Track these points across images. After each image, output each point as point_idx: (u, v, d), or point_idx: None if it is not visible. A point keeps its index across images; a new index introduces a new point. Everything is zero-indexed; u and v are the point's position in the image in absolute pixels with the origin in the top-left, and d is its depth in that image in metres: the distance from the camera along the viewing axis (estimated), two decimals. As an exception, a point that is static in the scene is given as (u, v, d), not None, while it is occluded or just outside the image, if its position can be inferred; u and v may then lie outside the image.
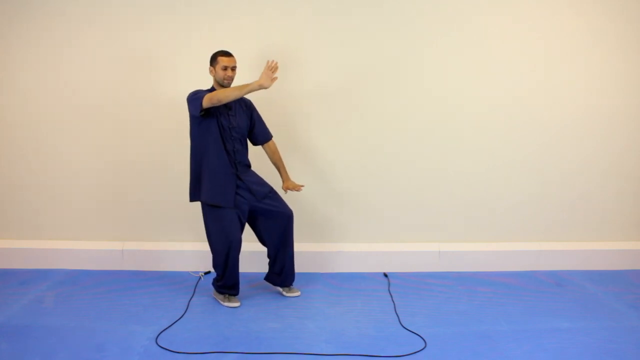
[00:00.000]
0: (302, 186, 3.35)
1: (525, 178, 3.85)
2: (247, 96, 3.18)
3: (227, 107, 3.13)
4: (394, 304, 3.25)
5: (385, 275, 3.76)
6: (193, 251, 3.77)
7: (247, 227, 3.35)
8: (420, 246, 3.86)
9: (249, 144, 3.35)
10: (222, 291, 3.23)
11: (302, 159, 3.76)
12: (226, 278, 3.18)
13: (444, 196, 3.84)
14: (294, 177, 3.49)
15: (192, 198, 3.20)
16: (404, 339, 2.80)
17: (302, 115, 3.71)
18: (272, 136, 3.38)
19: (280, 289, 3.39)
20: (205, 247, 3.51)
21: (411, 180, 3.82)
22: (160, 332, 2.83)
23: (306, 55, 3.65)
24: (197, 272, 3.72)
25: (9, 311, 3.06)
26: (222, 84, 3.10)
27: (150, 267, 3.78)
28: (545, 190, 3.88)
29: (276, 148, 3.38)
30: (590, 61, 3.74)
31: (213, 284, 3.30)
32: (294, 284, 3.42)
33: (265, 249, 3.38)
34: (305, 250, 3.75)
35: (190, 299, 3.29)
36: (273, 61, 2.91)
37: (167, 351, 2.63)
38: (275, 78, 2.90)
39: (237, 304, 3.19)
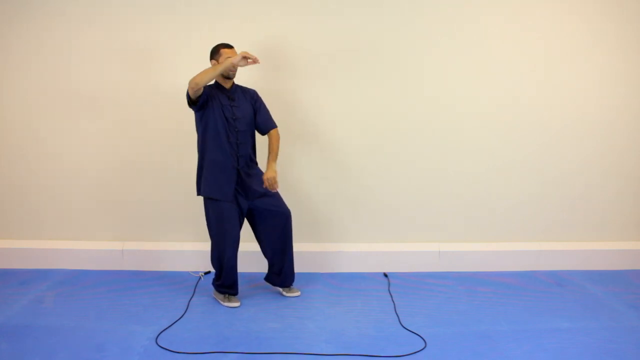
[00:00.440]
0: (277, 188, 3.18)
1: (525, 178, 3.85)
2: (253, 87, 3.26)
3: (230, 98, 3.13)
4: (394, 304, 3.25)
5: (385, 275, 3.76)
6: (193, 251, 3.77)
7: (247, 227, 3.35)
8: (420, 246, 3.86)
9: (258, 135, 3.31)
10: (222, 290, 3.23)
11: (302, 159, 3.76)
12: (224, 277, 3.18)
13: (444, 196, 3.84)
14: (294, 176, 3.49)
15: (198, 192, 3.20)
16: (404, 339, 2.80)
17: (302, 115, 3.71)
18: (276, 126, 3.27)
19: (280, 289, 3.39)
20: (205, 247, 3.52)
21: (411, 180, 3.82)
22: (160, 332, 2.83)
23: (306, 55, 3.65)
24: (197, 272, 3.72)
25: (9, 311, 3.06)
26: (227, 75, 3.10)
27: (150, 267, 3.78)
28: (545, 190, 3.88)
29: (277, 137, 3.25)
30: (590, 61, 3.74)
31: (213, 283, 3.30)
32: (293, 284, 3.42)
33: (264, 249, 3.39)
34: (305, 250, 3.75)
35: (190, 299, 3.29)
36: (253, 56, 2.96)
37: (167, 351, 2.64)
38: (252, 62, 2.97)
39: (237, 304, 3.19)
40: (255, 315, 3.08)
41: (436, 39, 3.67)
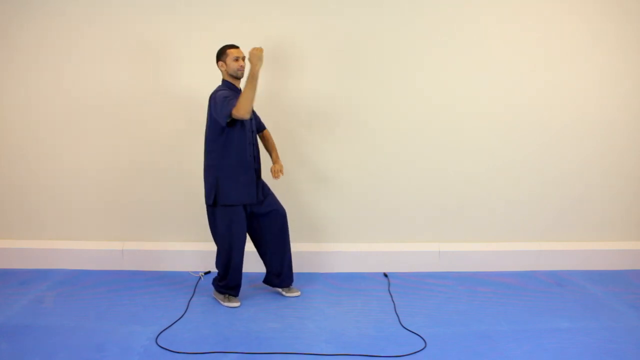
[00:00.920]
0: (280, 175, 3.28)
1: (525, 178, 3.85)
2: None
3: None
4: (394, 304, 3.25)
5: (385, 275, 3.76)
6: (193, 251, 3.76)
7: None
8: (420, 246, 3.86)
9: None
10: (223, 291, 3.22)
11: (302, 159, 3.76)
12: (230, 279, 3.18)
13: (444, 196, 3.84)
14: (294, 176, 3.49)
15: (211, 202, 3.06)
16: (404, 339, 2.80)
17: (302, 115, 3.71)
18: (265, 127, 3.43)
19: (280, 289, 3.39)
20: (205, 247, 3.52)
21: (411, 180, 3.82)
22: (160, 332, 2.83)
23: (306, 56, 3.65)
24: (197, 272, 3.72)
25: (9, 311, 3.06)
26: (236, 75, 3.09)
27: (150, 267, 3.78)
28: (545, 190, 3.88)
29: (270, 135, 3.42)
30: (590, 61, 3.74)
31: (213, 283, 3.30)
32: (293, 284, 3.42)
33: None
34: (305, 250, 3.75)
35: (190, 299, 3.29)
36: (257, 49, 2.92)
37: (167, 351, 2.63)
38: (261, 55, 2.91)
39: (237, 304, 3.19)
40: (255, 315, 3.07)
41: (436, 39, 3.67)
